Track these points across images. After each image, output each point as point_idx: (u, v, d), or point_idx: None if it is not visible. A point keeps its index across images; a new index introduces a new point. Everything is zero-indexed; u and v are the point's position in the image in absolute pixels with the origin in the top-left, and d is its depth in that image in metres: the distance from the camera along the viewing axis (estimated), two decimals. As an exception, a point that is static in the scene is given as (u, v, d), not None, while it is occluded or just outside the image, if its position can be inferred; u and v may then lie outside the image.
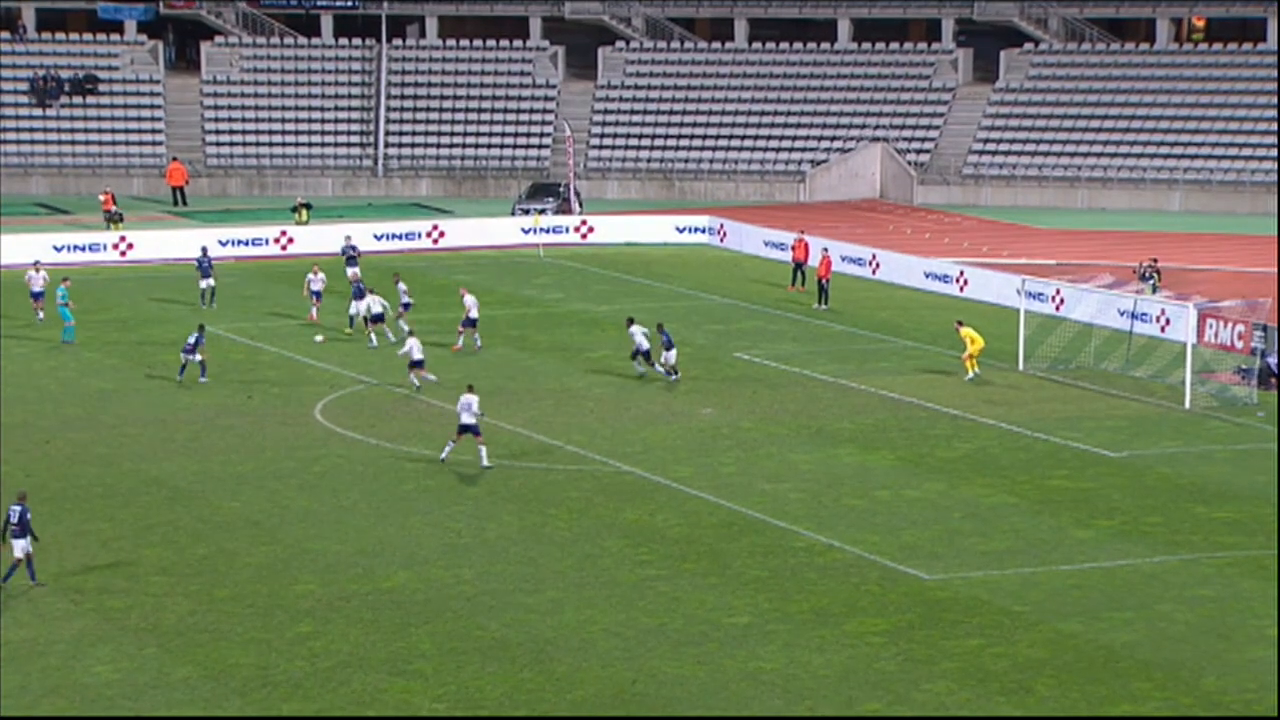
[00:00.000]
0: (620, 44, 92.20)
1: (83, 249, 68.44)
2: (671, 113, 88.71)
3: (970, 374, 48.23)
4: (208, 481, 39.19)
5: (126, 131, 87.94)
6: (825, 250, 61.47)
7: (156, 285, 63.36)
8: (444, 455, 39.93)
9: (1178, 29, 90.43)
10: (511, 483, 39.14)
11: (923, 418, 44.91)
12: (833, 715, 27.33)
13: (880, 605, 31.65)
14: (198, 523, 36.28)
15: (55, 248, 68.17)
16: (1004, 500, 38.00)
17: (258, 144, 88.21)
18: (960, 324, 49.49)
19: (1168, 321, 53.51)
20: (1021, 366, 50.30)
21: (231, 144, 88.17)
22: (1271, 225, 73.07)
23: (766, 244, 70.03)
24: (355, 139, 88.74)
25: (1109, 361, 50.92)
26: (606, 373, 49.44)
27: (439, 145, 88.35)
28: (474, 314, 51.93)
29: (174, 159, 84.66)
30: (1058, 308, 56.51)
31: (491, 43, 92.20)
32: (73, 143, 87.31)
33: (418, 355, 46.47)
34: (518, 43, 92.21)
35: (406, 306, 53.25)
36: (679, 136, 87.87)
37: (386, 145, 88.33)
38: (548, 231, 72.24)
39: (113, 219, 71.60)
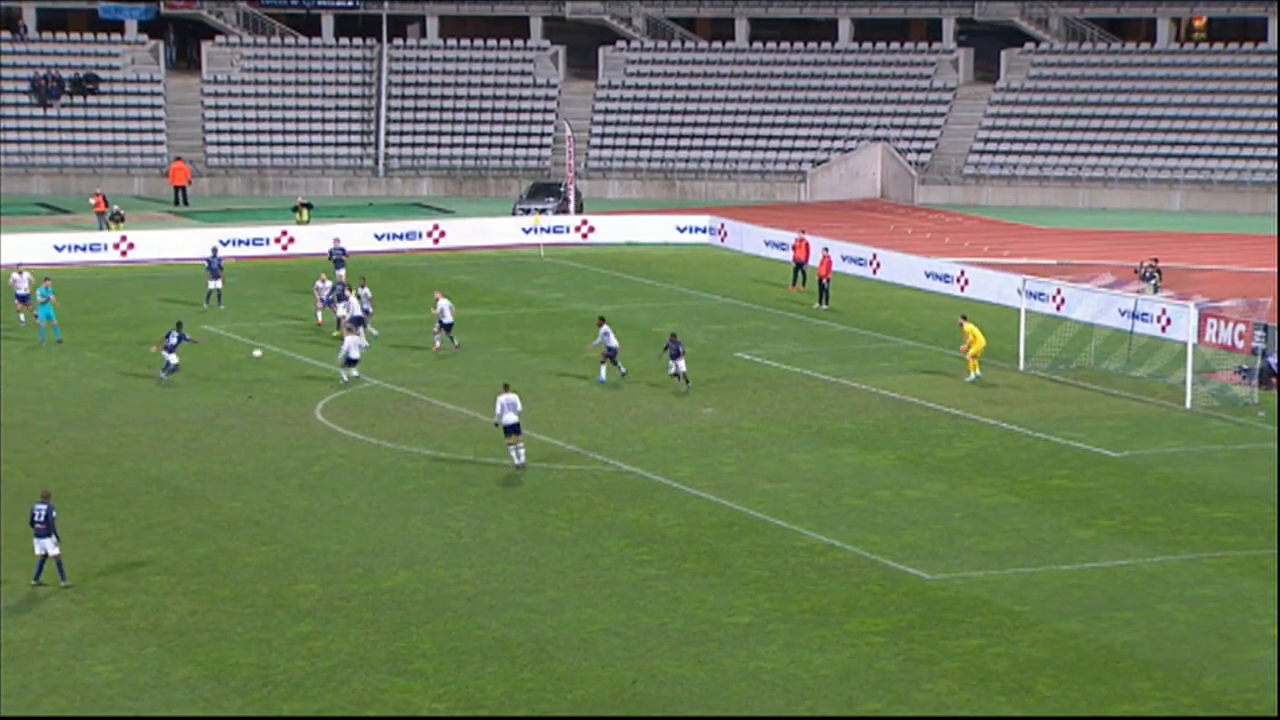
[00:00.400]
0: (621, 44, 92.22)
1: (83, 249, 68.45)
2: (672, 112, 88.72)
3: (972, 375, 48.21)
4: (208, 481, 39.19)
5: (127, 131, 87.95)
6: (826, 250, 61.46)
7: (158, 285, 63.35)
8: (519, 461, 39.35)
9: (1178, 29, 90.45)
10: (512, 482, 39.13)
11: (923, 417, 44.90)
12: (833, 715, 27.32)
13: (881, 605, 31.64)
14: (198, 522, 36.27)
15: (56, 247, 68.20)
16: (1005, 500, 37.99)
17: (258, 144, 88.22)
18: (964, 319, 49.47)
19: (1169, 321, 53.50)
20: (1022, 366, 50.29)
21: (232, 144, 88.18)
22: (1272, 225, 73.06)
23: (767, 244, 70.03)
24: (356, 139, 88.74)
25: (1110, 361, 50.91)
26: (609, 372, 49.38)
27: (440, 145, 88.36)
28: (448, 318, 51.07)
29: (177, 158, 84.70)
30: (1059, 307, 56.50)
31: (492, 42, 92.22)
32: (73, 142, 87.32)
33: (355, 355, 47.29)
34: (518, 42, 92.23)
35: (367, 312, 52.35)
36: (680, 136, 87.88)
37: (387, 145, 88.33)
38: (548, 231, 72.24)
39: (114, 219, 71.56)
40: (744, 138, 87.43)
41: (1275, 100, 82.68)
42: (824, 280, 59.83)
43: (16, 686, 28.14)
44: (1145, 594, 32.31)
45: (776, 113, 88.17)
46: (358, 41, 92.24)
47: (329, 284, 55.12)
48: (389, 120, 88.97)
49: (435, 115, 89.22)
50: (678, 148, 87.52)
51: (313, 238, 69.83)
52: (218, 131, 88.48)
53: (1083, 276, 59.61)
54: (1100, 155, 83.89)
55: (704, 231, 73.62)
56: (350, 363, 47.45)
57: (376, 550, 34.57)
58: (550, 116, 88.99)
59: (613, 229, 73.78)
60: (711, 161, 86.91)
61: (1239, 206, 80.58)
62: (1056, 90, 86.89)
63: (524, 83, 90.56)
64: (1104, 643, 29.95)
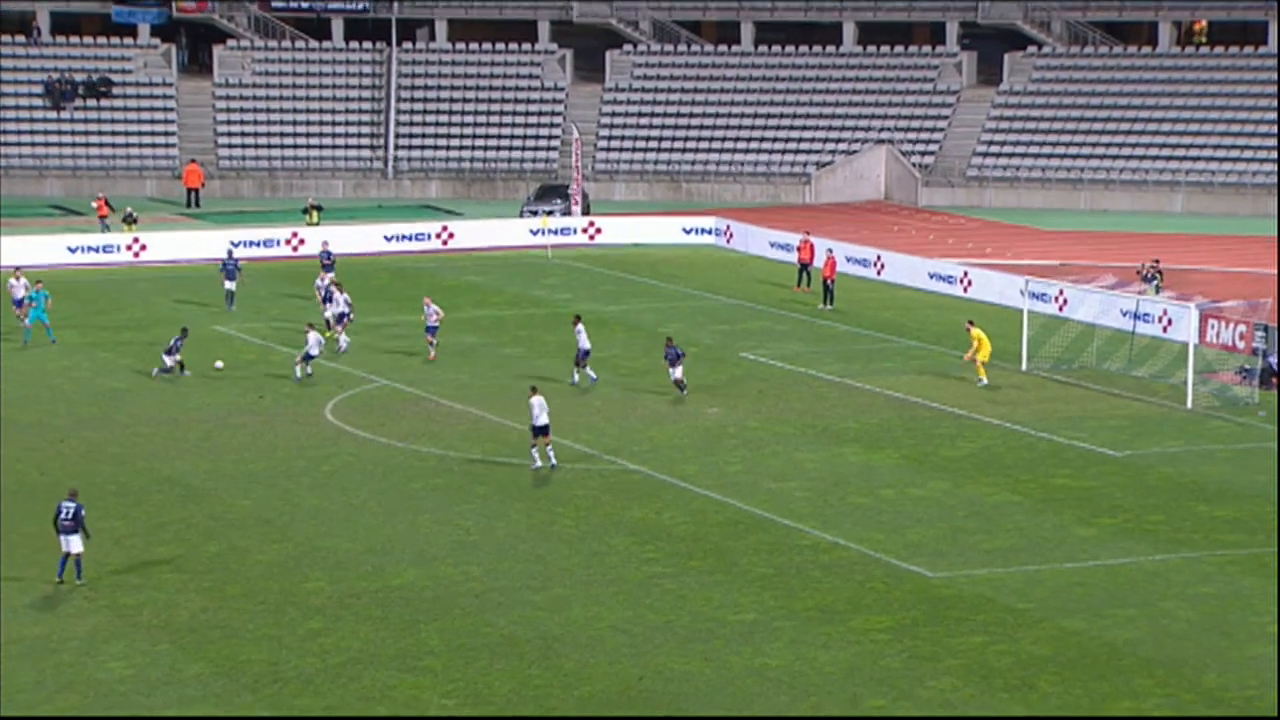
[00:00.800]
0: (628, 47, 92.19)
1: (96, 250, 68.48)
2: (678, 115, 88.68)
3: (982, 380, 48.09)
4: (220, 480, 39.21)
5: (140, 134, 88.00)
6: (830, 251, 61.43)
7: (170, 286, 63.38)
8: (538, 464, 39.20)
9: (1179, 32, 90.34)
10: (520, 481, 39.13)
11: (927, 417, 44.87)
12: (837, 712, 27.30)
13: (885, 602, 31.63)
14: (210, 521, 36.29)
15: (69, 249, 68.23)
16: (1007, 499, 37.96)
17: (269, 146, 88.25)
18: (971, 324, 49.43)
19: (1170, 322, 53.45)
20: (1025, 366, 50.25)
21: (244, 146, 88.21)
22: (1273, 226, 72.93)
23: (772, 245, 69.99)
24: (366, 141, 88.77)
25: (1112, 361, 50.87)
26: (614, 372, 49.41)
27: (448, 147, 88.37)
28: (432, 322, 50.79)
29: (191, 161, 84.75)
30: (1061, 308, 56.45)
31: (500, 46, 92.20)
32: (86, 145, 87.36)
33: (315, 352, 47.50)
34: (526, 46, 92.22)
35: (342, 316, 52.01)
36: (686, 139, 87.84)
37: (396, 147, 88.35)
38: (556, 233, 72.25)
39: (127, 220, 71.55)
40: (749, 140, 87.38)
41: (1275, 103, 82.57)
42: (828, 281, 59.80)
43: (30, 682, 28.17)
44: (1147, 592, 32.29)
45: (781, 115, 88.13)
46: (367, 45, 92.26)
47: (344, 295, 54.62)
48: (398, 123, 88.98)
49: (444, 118, 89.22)
50: (684, 150, 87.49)
51: (323, 239, 69.82)
52: (229, 134, 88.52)
53: (1085, 277, 59.54)
54: (1102, 158, 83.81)
55: (710, 233, 73.59)
56: (308, 359, 47.58)
57: (386, 548, 34.58)
58: (558, 119, 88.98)
59: (619, 230, 73.77)
60: (717, 164, 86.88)
61: (1240, 208, 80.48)
62: (1059, 93, 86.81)
63: (532, 86, 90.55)
64: (1106, 640, 29.93)
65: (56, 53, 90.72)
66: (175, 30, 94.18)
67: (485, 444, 42.05)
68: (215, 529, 35.73)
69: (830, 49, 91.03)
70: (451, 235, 72.35)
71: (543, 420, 39.23)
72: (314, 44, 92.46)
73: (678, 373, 46.43)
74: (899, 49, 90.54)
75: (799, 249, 63.99)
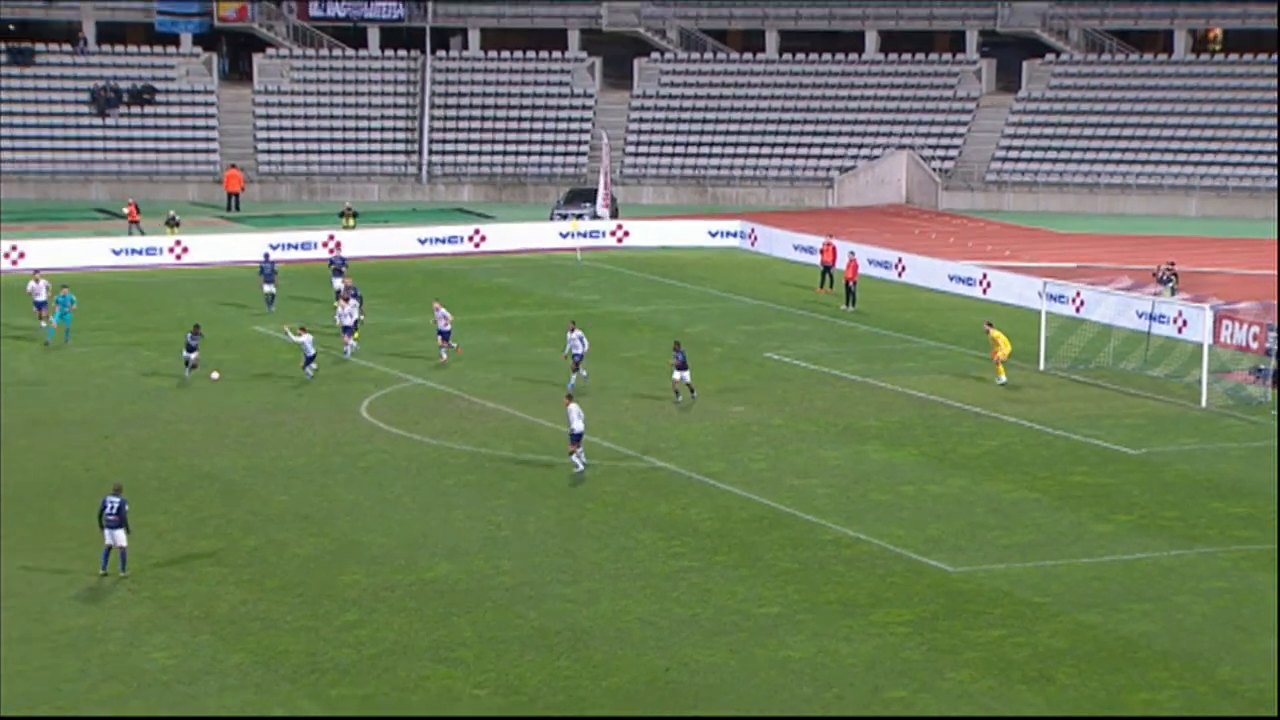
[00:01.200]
0: (655, 55, 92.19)
1: (140, 252, 68.71)
2: (704, 121, 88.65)
3: (1002, 379, 47.96)
4: (259, 476, 39.30)
5: (182, 140, 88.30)
6: (852, 254, 61.33)
7: (211, 287, 63.56)
8: (579, 469, 38.74)
9: (1194, 40, 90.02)
10: (550, 478, 39.14)
11: (947, 416, 44.77)
12: (859, 703, 27.25)
13: (905, 596, 31.56)
14: (249, 515, 36.37)
15: (114, 251, 68.48)
16: (1025, 495, 37.85)
17: (307, 152, 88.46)
18: (990, 325, 49.30)
19: (1185, 323, 53.24)
20: (1043, 366, 50.10)
21: (282, 152, 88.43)
22: (1286, 230, 72.65)
23: (796, 248, 69.90)
24: (400, 147, 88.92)
25: (1128, 361, 50.69)
26: (642, 371, 49.39)
27: (480, 153, 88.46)
28: (443, 326, 50.23)
29: (231, 166, 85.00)
30: (1078, 309, 56.27)
31: (531, 54, 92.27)
32: (130, 150, 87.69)
33: (310, 351, 47.73)
34: (557, 54, 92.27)
35: (347, 330, 51.67)
36: (712, 144, 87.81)
37: (430, 153, 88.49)
38: (585, 235, 72.27)
39: (169, 223, 71.74)
40: (774, 145, 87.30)
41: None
42: (850, 283, 59.70)
43: (76, 672, 28.27)
44: (1162, 586, 32.16)
45: (805, 121, 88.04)
46: (402, 53, 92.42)
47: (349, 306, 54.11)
48: (432, 129, 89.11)
49: (476, 124, 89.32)
50: (710, 155, 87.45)
51: (359, 242, 70.10)
52: (268, 140, 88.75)
53: (1101, 279, 59.35)
54: (1118, 162, 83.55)
55: (735, 236, 73.53)
56: (309, 360, 47.71)
57: (420, 542, 34.62)
58: (587, 125, 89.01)
59: (647, 233, 73.74)
60: (742, 168, 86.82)
61: (1253, 212, 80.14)
62: (1076, 99, 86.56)
63: (562, 93, 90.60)
64: (1122, 633, 29.82)
65: (102, 61, 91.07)
66: (217, 39, 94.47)
67: (516, 441, 42.07)
68: (254, 523, 35.80)
69: (853, 57, 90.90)
70: (483, 238, 72.41)
71: (578, 427, 38.97)
72: (351, 53, 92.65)
73: (685, 376, 45.39)
74: (920, 57, 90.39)
75: (822, 251, 63.88)
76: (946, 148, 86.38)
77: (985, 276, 62.05)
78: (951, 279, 63.31)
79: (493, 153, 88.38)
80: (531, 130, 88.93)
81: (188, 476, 39.13)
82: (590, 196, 78.49)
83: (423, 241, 71.52)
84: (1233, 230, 76.75)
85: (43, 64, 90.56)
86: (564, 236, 72.31)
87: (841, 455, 41.00)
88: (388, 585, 32.12)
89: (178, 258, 68.83)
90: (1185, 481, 39.07)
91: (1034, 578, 32.56)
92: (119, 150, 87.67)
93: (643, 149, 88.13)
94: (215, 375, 47.59)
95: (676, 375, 45.58)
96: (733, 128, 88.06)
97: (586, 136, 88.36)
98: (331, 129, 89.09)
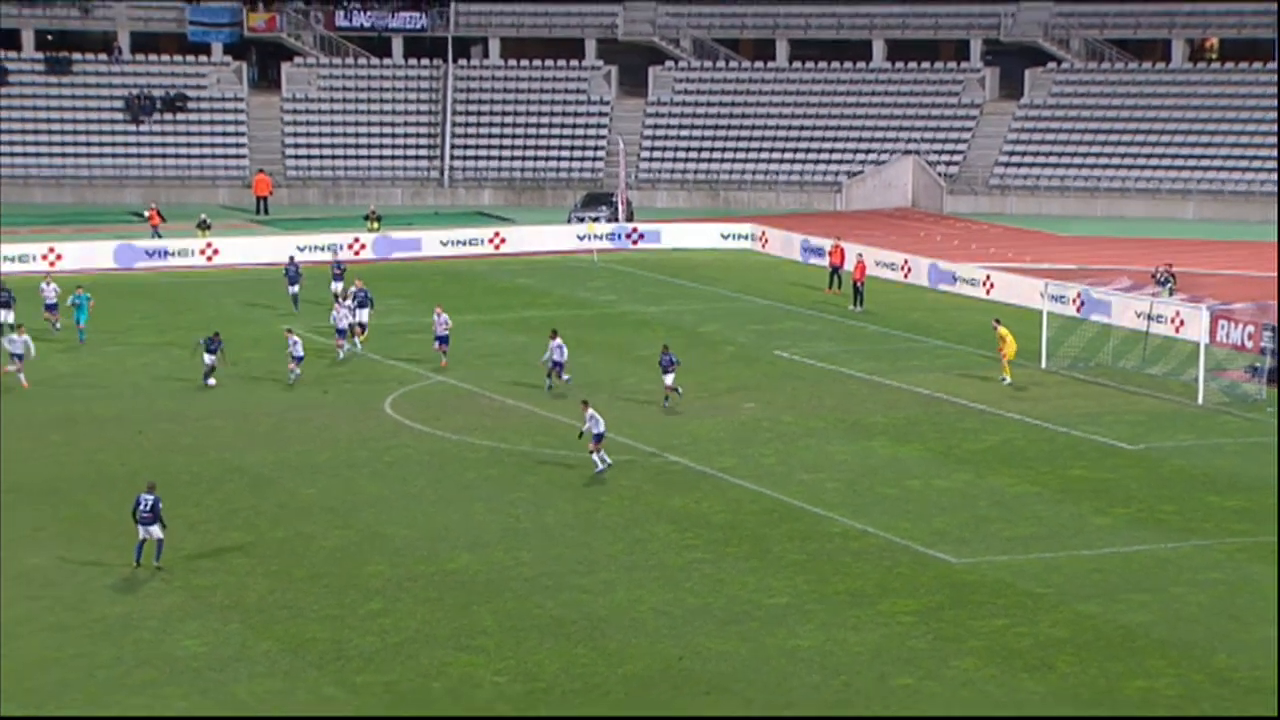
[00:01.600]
0: (669, 63, 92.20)
1: (172, 254, 68.85)
2: (717, 127, 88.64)
3: (1007, 379, 47.88)
4: (286, 470, 39.37)
5: (213, 145, 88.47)
6: (860, 255, 61.30)
7: (240, 288, 63.67)
8: (600, 468, 38.30)
9: (1191, 49, 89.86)
10: (567, 472, 39.17)
11: (952, 412, 44.73)
12: (866, 690, 27.26)
13: (911, 587, 31.55)
14: (277, 508, 36.45)
15: (147, 253, 68.61)
16: (1028, 489, 37.82)
17: (334, 157, 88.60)
18: (998, 322, 49.24)
19: (1182, 323, 53.14)
20: (1044, 364, 50.04)
21: (309, 157, 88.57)
22: (1281, 232, 72.48)
23: (805, 250, 69.85)
24: (423, 152, 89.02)
25: (1127, 360, 50.61)
26: (656, 369, 49.32)
27: (500, 158, 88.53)
28: (441, 331, 49.57)
29: (260, 171, 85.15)
30: (1078, 309, 56.19)
31: (550, 63, 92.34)
32: (164, 156, 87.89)
33: (299, 353, 47.23)
34: (574, 62, 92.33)
35: (341, 332, 51.47)
36: (724, 150, 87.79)
37: (452, 158, 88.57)
38: (601, 238, 72.29)
39: (200, 226, 71.86)
40: (784, 151, 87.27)
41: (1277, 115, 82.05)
42: (858, 284, 59.65)
43: (111, 658, 28.37)
44: (1160, 577, 32.12)
45: (814, 128, 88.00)
46: (425, 62, 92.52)
47: (354, 289, 53.85)
48: (454, 135, 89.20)
49: (496, 130, 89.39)
50: (722, 160, 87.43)
51: (383, 245, 70.18)
52: (296, 146, 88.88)
53: (1101, 280, 59.25)
54: (1118, 167, 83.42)
55: (746, 238, 73.50)
56: (297, 360, 47.14)
57: (442, 534, 34.67)
58: (603, 131, 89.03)
59: (661, 236, 73.75)
60: (753, 173, 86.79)
61: (1249, 215, 79.97)
62: (1077, 107, 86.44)
63: (579, 100, 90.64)
64: (1121, 623, 29.79)
65: (136, 70, 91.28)
66: (246, 49, 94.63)
67: (535, 437, 42.10)
68: (282, 516, 35.87)
69: (861, 65, 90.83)
70: (503, 240, 72.47)
71: (599, 429, 38.77)
72: (375, 61, 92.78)
73: (669, 379, 44.59)
74: (926, 65, 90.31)
75: (830, 253, 63.85)
76: (951, 153, 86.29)
77: (989, 278, 61.93)
78: (956, 280, 63.18)
79: (512, 158, 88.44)
80: (550, 136, 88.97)
81: (218, 471, 39.21)
82: (606, 200, 78.53)
83: (444, 243, 71.58)
84: (1229, 233, 76.59)
85: (79, 73, 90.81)
86: (581, 239, 72.34)
87: (849, 451, 40.99)
88: (411, 576, 32.17)
89: (209, 260, 68.95)
90: (1182, 476, 39.01)
91: (1035, 569, 32.53)
92: (152, 155, 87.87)
93: (657, 154, 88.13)
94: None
95: (664, 377, 44.63)
96: (744, 134, 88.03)
97: (603, 142, 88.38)
98: (357, 135, 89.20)
